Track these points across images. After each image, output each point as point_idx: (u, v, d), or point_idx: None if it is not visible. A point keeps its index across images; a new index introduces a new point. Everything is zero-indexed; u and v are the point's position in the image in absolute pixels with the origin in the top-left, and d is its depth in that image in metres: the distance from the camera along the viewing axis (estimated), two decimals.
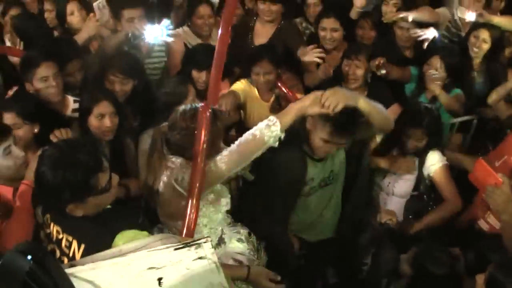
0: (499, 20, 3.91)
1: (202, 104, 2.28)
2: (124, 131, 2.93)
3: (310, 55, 3.61)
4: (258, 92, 3.46)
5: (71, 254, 1.81)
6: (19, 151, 2.45)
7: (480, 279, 1.99)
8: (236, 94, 3.34)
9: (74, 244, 1.82)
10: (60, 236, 1.87)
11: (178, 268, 1.49)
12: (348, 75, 3.47)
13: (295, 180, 2.70)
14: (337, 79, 3.52)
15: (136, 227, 1.79)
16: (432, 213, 3.02)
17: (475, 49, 3.79)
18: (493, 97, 3.56)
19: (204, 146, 2.18)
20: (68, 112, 3.10)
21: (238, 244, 2.50)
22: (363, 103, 2.36)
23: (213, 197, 2.35)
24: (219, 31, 2.52)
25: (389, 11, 4.02)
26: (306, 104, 2.28)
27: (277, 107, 3.34)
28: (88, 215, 1.83)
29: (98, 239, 1.73)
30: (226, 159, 2.21)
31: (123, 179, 2.77)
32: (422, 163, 3.05)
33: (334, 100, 2.24)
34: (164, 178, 2.27)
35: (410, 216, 3.06)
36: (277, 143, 2.23)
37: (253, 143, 2.21)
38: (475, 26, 3.87)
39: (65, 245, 1.84)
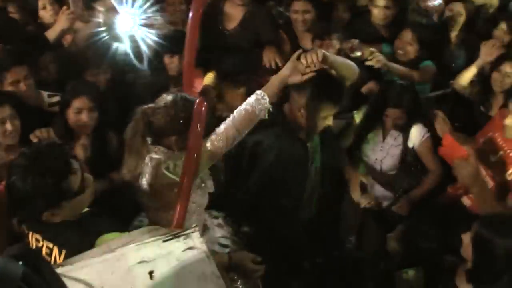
0: None
1: (198, 98, 2.27)
2: (106, 124, 2.91)
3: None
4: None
5: (52, 261, 1.78)
6: (1, 152, 2.40)
7: (466, 238, 2.03)
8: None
9: (55, 250, 1.80)
10: (40, 244, 1.84)
11: (168, 260, 1.49)
12: None
13: (302, 161, 2.75)
14: None
15: (116, 229, 1.78)
16: (418, 188, 3.10)
17: (452, 23, 3.84)
18: (464, 79, 3.58)
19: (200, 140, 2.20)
20: (45, 107, 3.08)
21: (219, 229, 2.53)
22: (330, 57, 2.49)
23: (199, 180, 2.35)
24: (190, 13, 2.46)
25: None
26: (287, 74, 2.39)
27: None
28: (67, 220, 1.82)
29: (79, 244, 1.70)
30: (223, 137, 2.24)
31: (107, 172, 2.82)
32: (406, 137, 3.13)
33: (310, 58, 2.37)
34: (150, 169, 2.26)
35: (398, 195, 3.14)
36: (266, 115, 2.32)
37: (247, 116, 2.27)
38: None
39: (46, 253, 1.81)
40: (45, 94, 3.11)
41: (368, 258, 3.03)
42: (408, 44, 3.67)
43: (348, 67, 2.64)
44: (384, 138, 3.22)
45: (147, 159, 2.25)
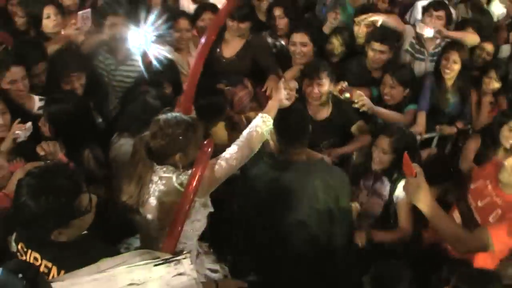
0: (456, 35, 4.10)
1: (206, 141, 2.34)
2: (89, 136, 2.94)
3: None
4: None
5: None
6: (2, 161, 2.42)
7: None
8: None
9: (54, 270, 1.81)
10: (38, 263, 1.84)
11: (158, 284, 1.51)
12: (311, 94, 3.49)
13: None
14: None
15: (113, 254, 1.79)
16: (385, 232, 3.08)
17: (447, 71, 3.92)
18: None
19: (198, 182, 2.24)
20: (35, 110, 3.19)
21: (207, 256, 2.59)
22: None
23: (204, 200, 2.40)
24: (202, 40, 2.58)
25: (360, 32, 4.15)
26: (282, 98, 2.53)
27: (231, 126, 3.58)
28: (67, 241, 1.83)
29: (78, 266, 1.69)
30: (236, 156, 2.34)
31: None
32: (393, 188, 3.11)
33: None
34: (161, 187, 2.30)
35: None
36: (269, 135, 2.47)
37: (256, 137, 2.39)
38: (445, 48, 4.01)
39: (44, 272, 1.81)
40: (36, 98, 3.24)
41: None
42: (390, 88, 3.77)
43: None
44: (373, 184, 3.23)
45: (155, 178, 2.29)
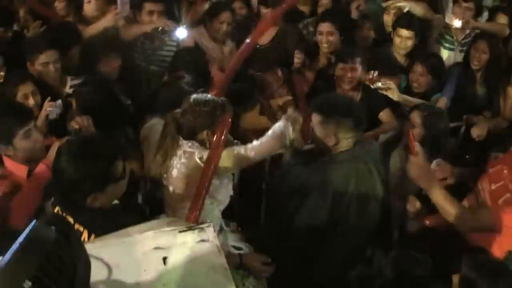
0: (484, 26, 4.06)
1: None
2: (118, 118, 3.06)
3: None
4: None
5: None
6: (38, 135, 2.55)
7: (456, 278, 2.10)
8: None
9: (85, 233, 1.89)
10: None
11: (182, 249, 1.58)
12: (343, 78, 3.57)
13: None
14: (328, 85, 3.71)
15: (142, 222, 1.84)
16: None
17: (475, 61, 3.91)
18: None
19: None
20: (67, 90, 3.35)
21: (232, 234, 2.69)
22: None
23: (226, 180, 2.53)
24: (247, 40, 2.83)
25: (390, 20, 4.15)
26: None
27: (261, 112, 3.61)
28: (100, 208, 1.93)
29: (108, 231, 1.76)
30: (256, 149, 2.43)
31: None
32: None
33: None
34: (183, 160, 2.40)
35: None
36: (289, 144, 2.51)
37: (278, 139, 2.46)
38: (475, 38, 3.99)
39: None
40: (69, 78, 3.40)
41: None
42: (420, 76, 3.77)
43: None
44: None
45: (180, 152, 2.39)
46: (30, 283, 0.95)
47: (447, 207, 2.36)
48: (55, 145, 2.29)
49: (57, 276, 1.01)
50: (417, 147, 2.29)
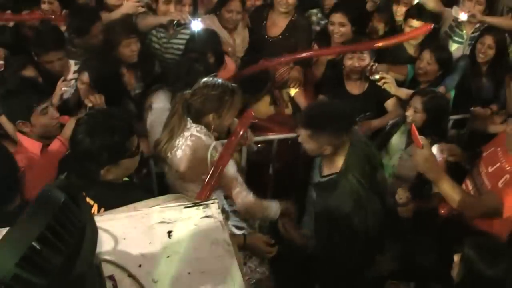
0: (492, 20, 4.05)
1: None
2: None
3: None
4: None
5: None
6: (55, 112, 2.63)
7: (457, 258, 2.15)
8: None
9: (95, 207, 1.97)
10: None
11: (187, 224, 1.63)
12: (351, 67, 3.61)
13: None
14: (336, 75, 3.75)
15: (150, 198, 1.92)
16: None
17: (481, 55, 3.92)
18: None
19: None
20: (70, 75, 3.41)
21: (234, 215, 2.76)
22: None
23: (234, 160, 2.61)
24: None
25: (399, 10, 4.16)
26: None
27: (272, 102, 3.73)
28: (112, 183, 1.99)
29: (117, 206, 1.81)
30: (244, 199, 2.56)
31: None
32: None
33: None
34: (189, 143, 2.46)
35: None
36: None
37: (262, 211, 2.64)
38: (482, 32, 4.00)
39: None
40: (72, 62, 3.45)
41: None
42: (427, 64, 3.76)
43: None
44: (406, 146, 3.30)
45: (187, 134, 2.44)
46: (38, 242, 0.98)
47: (455, 196, 2.39)
48: (72, 121, 2.37)
49: (66, 236, 1.03)
50: (422, 140, 2.31)
